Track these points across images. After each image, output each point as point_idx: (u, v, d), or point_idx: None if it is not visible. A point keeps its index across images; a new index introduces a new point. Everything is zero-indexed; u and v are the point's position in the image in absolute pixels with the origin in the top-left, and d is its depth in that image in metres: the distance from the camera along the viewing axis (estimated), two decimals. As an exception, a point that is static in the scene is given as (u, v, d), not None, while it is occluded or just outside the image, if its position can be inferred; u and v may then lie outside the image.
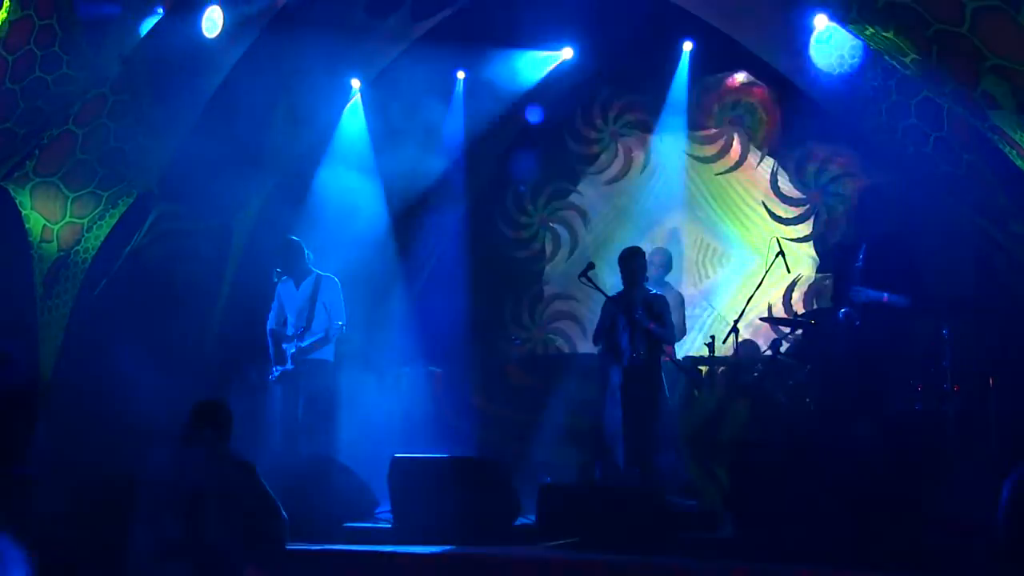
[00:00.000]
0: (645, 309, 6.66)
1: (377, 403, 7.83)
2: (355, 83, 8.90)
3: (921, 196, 8.04)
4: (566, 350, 9.99)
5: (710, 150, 9.77)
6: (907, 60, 6.18)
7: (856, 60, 7.18)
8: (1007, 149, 5.96)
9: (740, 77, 9.56)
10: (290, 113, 8.74)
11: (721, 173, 9.71)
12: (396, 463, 5.69)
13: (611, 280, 9.41)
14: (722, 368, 7.86)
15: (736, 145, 9.64)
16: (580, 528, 5.12)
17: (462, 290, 9.86)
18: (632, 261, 6.76)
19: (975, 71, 5.72)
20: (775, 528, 4.94)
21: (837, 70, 7.32)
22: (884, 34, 6.09)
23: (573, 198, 10.41)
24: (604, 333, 6.66)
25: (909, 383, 6.96)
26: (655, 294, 6.84)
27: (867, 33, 6.30)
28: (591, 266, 6.69)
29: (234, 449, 4.26)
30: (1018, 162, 5.93)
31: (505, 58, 9.08)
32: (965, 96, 6.01)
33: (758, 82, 9.40)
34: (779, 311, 8.97)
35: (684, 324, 8.19)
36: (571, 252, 10.31)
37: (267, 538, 4.03)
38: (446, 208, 10.01)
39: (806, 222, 9.27)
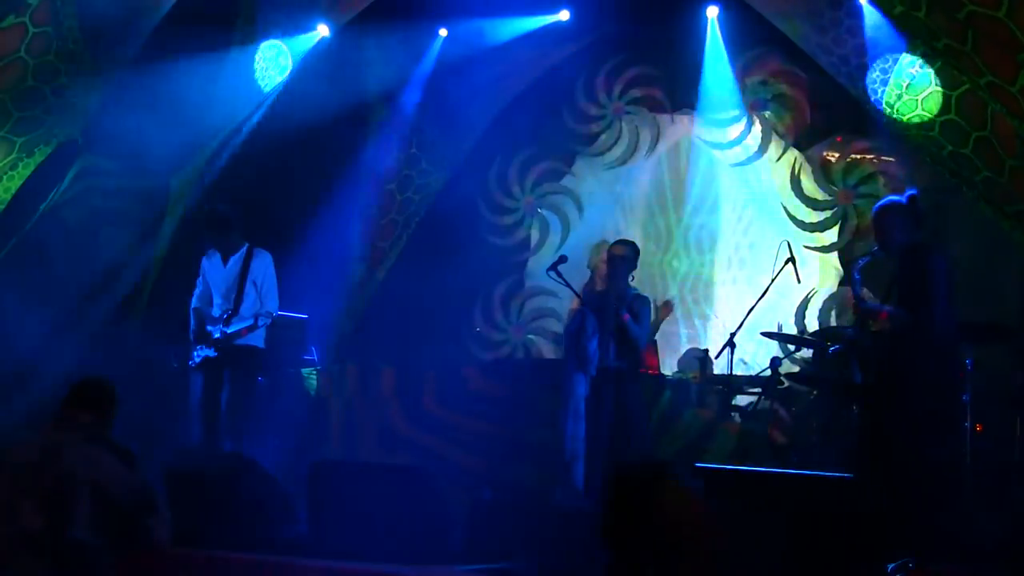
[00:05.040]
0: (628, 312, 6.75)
1: (315, 399, 7.91)
2: (322, 28, 8.92)
3: (959, 205, 8.09)
4: (549, 354, 10.05)
5: (726, 137, 9.80)
6: (939, 45, 6.23)
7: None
8: (1046, 156, 6.01)
9: (769, 59, 9.60)
10: (242, 62, 8.81)
11: (738, 164, 9.76)
12: (316, 467, 5.78)
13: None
14: (715, 387, 7.91)
15: (757, 133, 9.67)
16: (514, 551, 5.21)
17: (429, 278, 9.95)
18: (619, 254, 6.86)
19: (1014, 63, 5.78)
20: (737, 569, 4.98)
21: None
22: (914, 13, 6.15)
23: (566, 181, 10.48)
24: (572, 336, 6.75)
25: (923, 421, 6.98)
26: (637, 294, 6.93)
27: (896, 12, 6.36)
28: (563, 259, 6.77)
29: (116, 435, 4.34)
30: (1055, 170, 5.98)
31: (492, 17, 9.14)
32: (1003, 91, 6.06)
33: (787, 65, 9.43)
34: (790, 329, 9.00)
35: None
36: (561, 242, 10.36)
37: (142, 537, 4.10)
38: (419, 182, 10.09)
39: (831, 229, 9.31)
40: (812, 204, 9.37)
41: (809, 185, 9.39)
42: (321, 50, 8.98)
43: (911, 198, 5.97)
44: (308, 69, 8.98)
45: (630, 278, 6.88)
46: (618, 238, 7.48)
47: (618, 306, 6.60)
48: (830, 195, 9.30)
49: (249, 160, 9.06)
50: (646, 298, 7.05)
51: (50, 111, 7.49)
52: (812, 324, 9.01)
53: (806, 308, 9.15)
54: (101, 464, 4.08)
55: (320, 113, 8.95)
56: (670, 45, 9.72)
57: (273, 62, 8.91)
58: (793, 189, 9.45)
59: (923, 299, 5.62)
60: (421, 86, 9.56)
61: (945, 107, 7.30)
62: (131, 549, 4.15)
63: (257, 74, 8.82)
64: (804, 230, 9.35)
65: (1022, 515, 6.31)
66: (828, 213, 9.31)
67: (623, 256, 6.88)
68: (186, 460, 6.40)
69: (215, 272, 7.13)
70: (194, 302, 7.18)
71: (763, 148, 9.64)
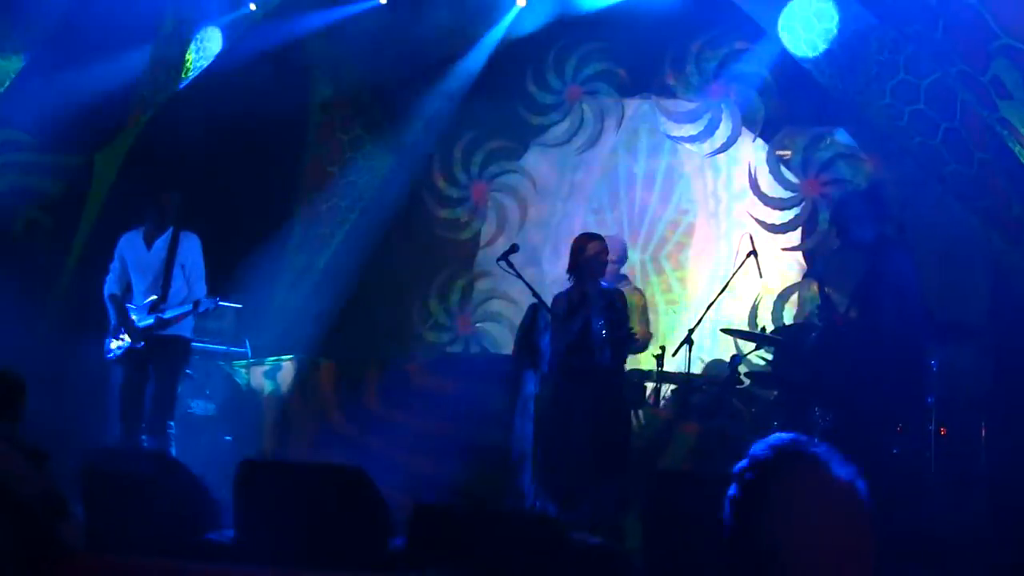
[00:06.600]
0: (609, 309, 6.71)
1: (247, 394, 7.76)
2: (252, 5, 8.83)
3: (927, 200, 8.14)
4: (503, 344, 9.96)
5: (691, 128, 9.76)
6: (909, 31, 6.25)
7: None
8: (1016, 148, 6.05)
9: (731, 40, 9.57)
10: (176, 31, 8.65)
11: (707, 155, 9.72)
12: (245, 467, 5.64)
13: (550, 269, 9.48)
14: (671, 386, 7.88)
15: (725, 121, 9.62)
16: (456, 557, 5.12)
17: (374, 267, 9.83)
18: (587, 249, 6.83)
19: (984, 52, 5.80)
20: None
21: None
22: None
23: (518, 167, 10.38)
24: (523, 331, 6.69)
25: (888, 422, 7.04)
26: (614, 288, 6.94)
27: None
28: (514, 248, 6.71)
29: (28, 432, 4.20)
30: (1026, 162, 6.03)
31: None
32: (974, 81, 6.09)
33: (750, 46, 9.40)
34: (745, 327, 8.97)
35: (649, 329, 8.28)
36: (515, 232, 10.24)
37: (51, 542, 3.96)
38: (361, 165, 9.97)
39: (797, 230, 9.25)
40: (773, 204, 9.32)
41: (766, 182, 9.34)
42: (254, 25, 8.88)
43: (872, 189, 5.97)
44: (240, 45, 8.87)
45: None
46: (585, 232, 7.37)
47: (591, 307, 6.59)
48: (793, 191, 9.26)
49: (177, 137, 8.90)
50: (620, 291, 7.08)
51: (-39, 80, 7.30)
52: (767, 322, 8.97)
53: (758, 307, 9.12)
54: (6, 463, 3.93)
55: (252, 90, 8.82)
56: (628, 27, 9.61)
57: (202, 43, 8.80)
58: (752, 188, 9.40)
59: (885, 298, 5.64)
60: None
61: (914, 96, 7.34)
62: (39, 555, 3.99)
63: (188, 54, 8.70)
64: (772, 232, 9.29)
65: (983, 521, 6.40)
66: (796, 210, 9.25)
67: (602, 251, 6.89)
68: (104, 459, 6.23)
69: (137, 256, 6.95)
70: (109, 288, 6.99)
71: (731, 138, 9.57)
